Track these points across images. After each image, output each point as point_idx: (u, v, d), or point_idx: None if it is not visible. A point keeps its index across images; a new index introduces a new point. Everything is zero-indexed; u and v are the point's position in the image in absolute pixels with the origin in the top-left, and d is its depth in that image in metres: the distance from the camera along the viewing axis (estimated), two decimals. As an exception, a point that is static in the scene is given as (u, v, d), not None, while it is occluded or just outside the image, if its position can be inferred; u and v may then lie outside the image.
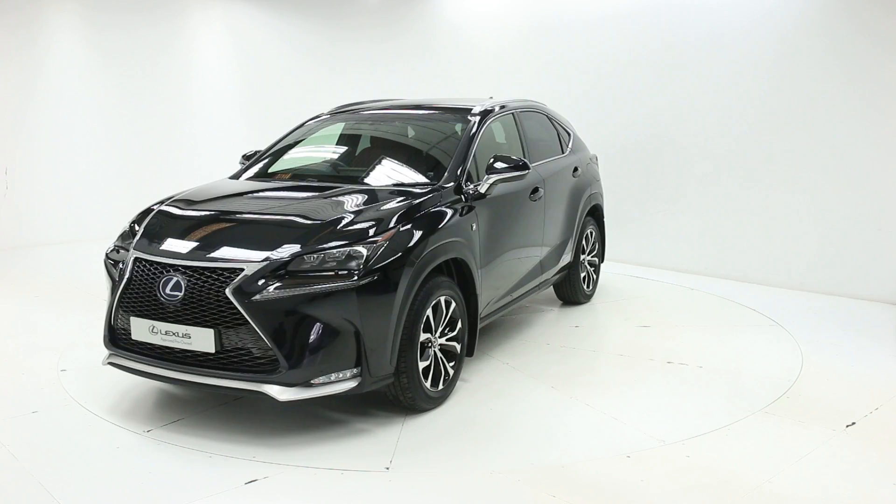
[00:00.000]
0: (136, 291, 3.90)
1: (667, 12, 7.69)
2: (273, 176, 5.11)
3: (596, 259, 6.62)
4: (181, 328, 3.71)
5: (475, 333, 4.55)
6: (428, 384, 4.11)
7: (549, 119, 6.18)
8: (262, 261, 3.69)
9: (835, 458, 3.69)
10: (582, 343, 5.42)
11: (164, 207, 4.41)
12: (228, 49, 10.72)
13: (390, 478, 3.48)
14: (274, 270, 3.68)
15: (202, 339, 3.68)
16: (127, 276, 3.95)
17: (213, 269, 3.72)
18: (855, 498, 3.33)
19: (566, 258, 5.97)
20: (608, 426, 4.03)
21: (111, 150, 9.69)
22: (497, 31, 9.19)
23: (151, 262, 3.89)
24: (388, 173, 4.82)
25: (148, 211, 4.43)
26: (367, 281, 3.71)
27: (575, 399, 4.37)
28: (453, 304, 4.29)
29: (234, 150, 9.00)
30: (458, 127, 5.04)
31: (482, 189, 4.67)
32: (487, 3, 9.31)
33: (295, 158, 5.36)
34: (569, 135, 6.38)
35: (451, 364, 4.34)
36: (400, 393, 4.01)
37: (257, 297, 3.61)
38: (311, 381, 3.65)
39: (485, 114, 5.16)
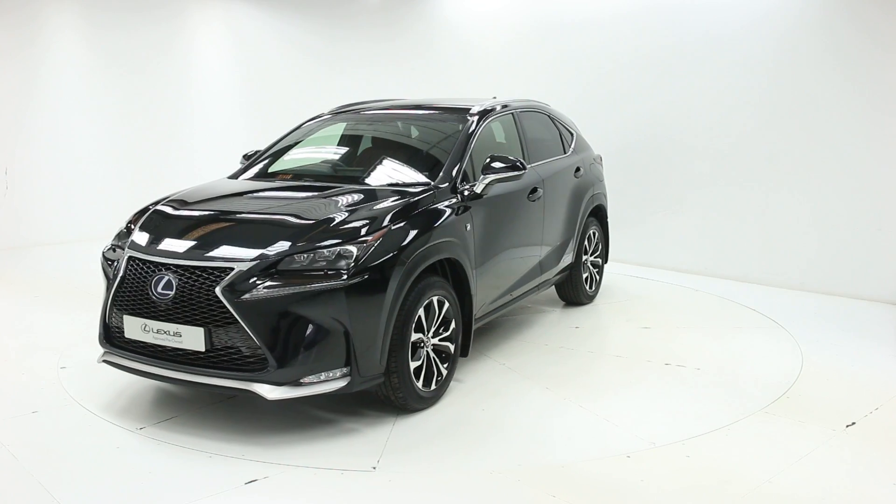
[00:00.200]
0: (129, 290, 3.93)
1: (666, 13, 7.69)
2: (271, 176, 5.12)
3: (599, 260, 6.59)
4: (172, 326, 3.74)
5: (470, 334, 4.55)
6: (420, 384, 4.11)
7: (551, 119, 6.17)
8: (252, 260, 3.72)
9: (835, 458, 3.69)
10: (581, 344, 5.41)
11: (159, 207, 4.44)
12: (228, 49, 10.72)
13: (386, 477, 3.47)
14: (264, 270, 3.70)
15: (192, 338, 3.71)
16: (120, 274, 3.99)
17: (204, 269, 3.75)
18: (855, 498, 3.33)
19: (567, 259, 5.96)
20: (600, 428, 4.01)
21: (111, 150, 9.69)
22: (497, 31, 9.19)
23: (144, 261, 3.93)
24: (385, 173, 4.82)
25: (144, 210, 4.46)
26: (356, 280, 3.72)
27: (569, 401, 4.36)
28: (446, 305, 4.29)
29: (233, 150, 9.00)
30: (457, 127, 5.04)
31: (478, 189, 4.67)
32: (487, 3, 9.31)
33: (293, 158, 5.36)
34: (572, 135, 6.36)
35: (445, 364, 4.34)
36: (391, 393, 4.01)
37: (247, 296, 3.63)
38: (301, 381, 3.67)
39: (483, 114, 5.16)
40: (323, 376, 3.70)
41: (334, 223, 3.93)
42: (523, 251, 5.28)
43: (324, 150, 5.50)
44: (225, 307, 3.63)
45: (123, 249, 4.11)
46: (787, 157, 7.03)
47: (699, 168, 7.60)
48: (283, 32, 10.86)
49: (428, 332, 4.18)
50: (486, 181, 4.68)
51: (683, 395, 4.48)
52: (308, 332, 3.65)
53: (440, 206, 4.37)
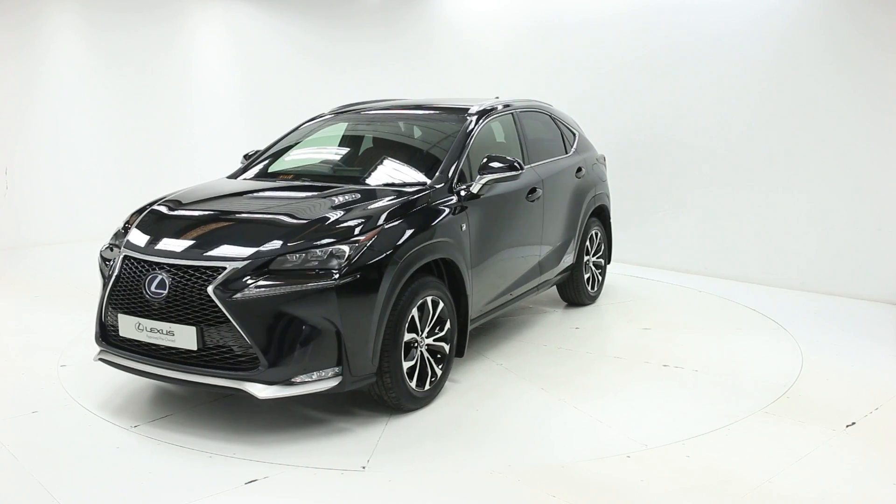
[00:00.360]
0: (123, 289, 3.96)
1: (666, 13, 7.69)
2: (270, 176, 5.14)
3: (602, 260, 6.57)
4: (165, 325, 3.76)
5: (465, 334, 4.55)
6: (413, 384, 4.11)
7: (553, 119, 6.16)
8: (245, 260, 3.73)
9: (835, 458, 3.69)
10: (580, 345, 5.40)
11: (155, 207, 4.47)
12: (228, 49, 10.72)
13: (386, 477, 3.47)
14: (256, 269, 3.71)
15: (185, 337, 3.72)
16: (115, 273, 4.02)
17: (196, 268, 3.77)
18: (855, 498, 3.33)
19: (568, 259, 5.95)
20: (593, 429, 4.00)
21: (111, 150, 9.70)
22: (497, 31, 9.19)
23: (139, 260, 3.96)
24: (382, 173, 4.82)
25: (141, 210, 4.48)
26: (347, 280, 3.72)
27: (563, 402, 4.35)
28: (441, 305, 4.29)
29: (233, 149, 9.00)
30: (455, 127, 5.03)
31: (474, 189, 4.66)
32: (487, 3, 9.31)
33: (292, 159, 5.37)
34: (574, 135, 6.35)
35: (440, 365, 4.34)
36: (384, 392, 4.01)
37: (238, 295, 3.64)
38: (292, 380, 3.68)
39: (481, 114, 5.15)
40: (314, 376, 3.71)
41: (327, 223, 3.95)
42: (521, 251, 5.27)
43: (322, 150, 5.50)
44: (217, 306, 3.65)
45: (120, 249, 4.14)
46: (787, 156, 7.03)
47: (699, 168, 7.60)
48: (283, 32, 10.86)
49: (422, 332, 4.18)
50: (483, 181, 4.68)
51: (680, 397, 4.46)
52: (299, 331, 3.66)
53: (435, 206, 4.37)
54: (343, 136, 5.56)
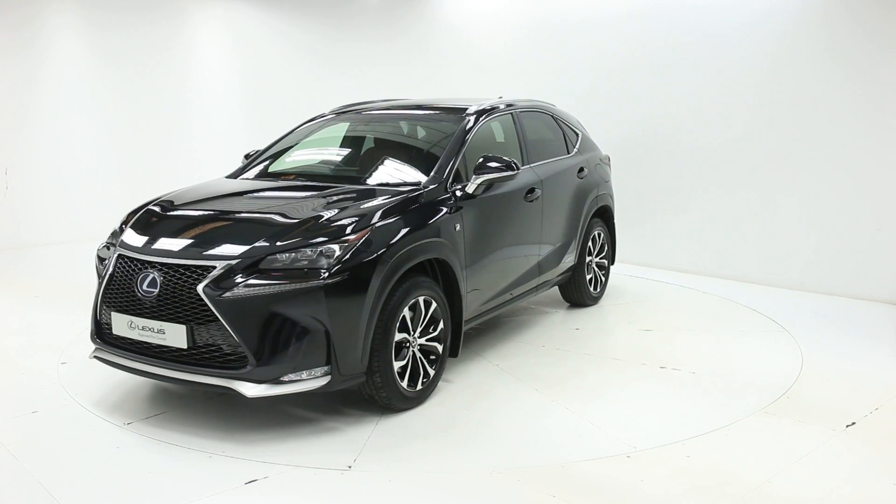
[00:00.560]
0: (117, 287, 4.00)
1: (663, 12, 7.69)
2: (268, 175, 5.16)
3: (605, 261, 6.55)
4: (157, 324, 3.79)
5: (459, 334, 4.55)
6: (404, 384, 4.11)
7: (555, 119, 6.14)
8: (234, 258, 3.75)
9: (835, 458, 3.69)
10: (579, 346, 5.38)
11: (150, 206, 4.50)
12: (228, 49, 10.73)
13: (386, 477, 3.48)
14: (246, 268, 3.72)
15: (175, 335, 3.75)
16: (109, 271, 4.06)
17: (187, 267, 3.80)
18: (855, 498, 3.33)
19: (569, 260, 5.93)
20: (583, 430, 3.98)
21: (111, 150, 9.70)
22: (497, 31, 9.19)
23: (132, 259, 3.99)
24: (379, 173, 4.81)
25: (137, 209, 4.51)
26: (336, 280, 3.73)
27: (556, 403, 4.33)
28: (434, 305, 4.28)
29: (233, 150, 9.01)
30: (452, 127, 5.03)
31: (470, 189, 4.66)
32: (487, 3, 9.31)
33: (290, 158, 5.39)
34: (577, 135, 6.32)
35: (434, 365, 4.34)
36: (374, 392, 4.02)
37: (227, 294, 3.66)
38: (281, 379, 3.69)
39: (478, 114, 5.15)
40: (303, 375, 3.73)
41: (318, 222, 3.96)
42: (519, 252, 5.24)
43: (320, 151, 5.51)
44: (206, 305, 3.67)
45: (115, 248, 4.19)
46: (787, 156, 7.03)
47: (700, 168, 7.60)
48: (283, 32, 10.86)
49: (414, 332, 4.18)
50: (479, 181, 4.68)
51: (675, 399, 4.43)
52: (288, 330, 3.67)
53: (429, 206, 4.37)
54: (342, 136, 5.56)
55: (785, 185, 7.06)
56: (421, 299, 4.19)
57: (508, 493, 3.35)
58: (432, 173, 4.61)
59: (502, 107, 5.44)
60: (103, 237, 4.56)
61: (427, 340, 4.29)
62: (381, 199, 4.25)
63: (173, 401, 4.32)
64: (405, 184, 4.55)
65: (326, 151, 5.50)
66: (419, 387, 4.23)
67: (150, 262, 3.91)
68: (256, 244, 3.80)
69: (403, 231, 4.11)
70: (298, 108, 8.42)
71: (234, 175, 5.26)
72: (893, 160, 6.44)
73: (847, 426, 4.04)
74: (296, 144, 5.50)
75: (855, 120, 6.60)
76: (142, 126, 9.87)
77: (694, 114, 7.59)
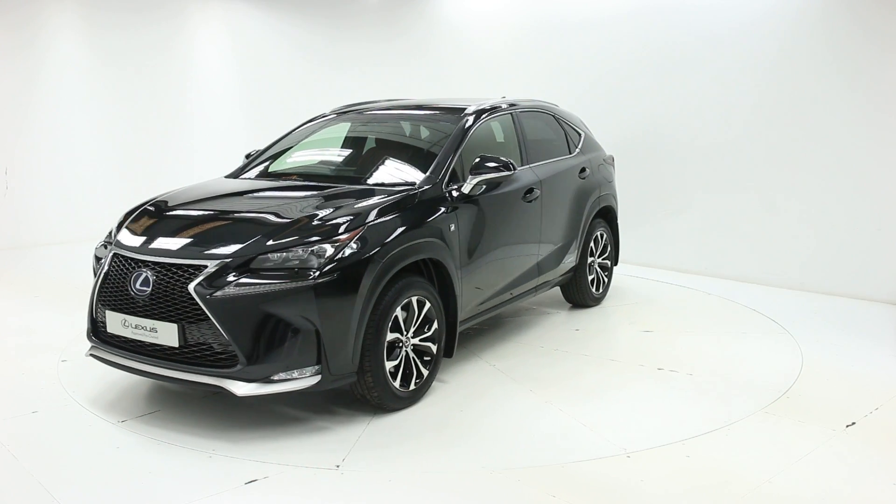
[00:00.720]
0: (111, 286, 4.03)
1: (663, 12, 7.69)
2: (266, 175, 5.18)
3: (608, 262, 6.52)
4: (149, 322, 3.82)
5: (454, 335, 4.54)
6: (397, 384, 4.11)
7: (557, 119, 6.13)
8: (226, 258, 3.77)
9: (835, 458, 3.69)
10: (578, 347, 5.36)
11: (146, 205, 4.53)
12: (228, 49, 10.73)
13: (386, 477, 3.48)
14: (237, 268, 3.74)
15: (167, 334, 3.77)
16: (104, 270, 4.09)
17: (179, 266, 3.82)
18: (855, 498, 3.33)
19: (570, 260, 5.91)
20: (574, 432, 3.96)
21: (111, 150, 9.70)
22: (497, 31, 9.19)
23: (126, 258, 4.03)
24: (376, 173, 4.81)
25: (134, 209, 4.54)
26: (325, 280, 3.73)
27: (549, 404, 4.32)
28: (427, 305, 4.28)
29: (233, 149, 9.01)
30: (449, 127, 5.03)
31: (466, 189, 4.66)
32: (487, 3, 9.31)
33: (288, 158, 5.40)
34: (579, 135, 6.30)
35: (428, 365, 4.34)
36: (366, 392, 4.02)
37: (218, 293, 3.67)
38: (271, 377, 3.70)
39: (476, 114, 5.14)
40: (295, 374, 3.74)
41: (310, 222, 3.97)
42: (517, 252, 5.23)
43: (318, 150, 5.52)
44: (197, 304, 3.69)
45: (110, 247, 4.23)
46: (787, 156, 7.03)
47: (700, 168, 7.60)
48: (283, 32, 10.86)
49: (407, 332, 4.18)
50: (474, 181, 4.68)
51: (669, 401, 4.40)
52: (277, 329, 3.68)
53: (423, 206, 4.37)
54: (341, 136, 5.57)
55: (785, 185, 7.06)
56: (414, 299, 4.19)
57: (508, 493, 3.35)
58: (428, 173, 4.61)
59: (502, 107, 5.44)
60: (103, 237, 4.58)
61: (421, 340, 4.29)
62: (375, 199, 4.25)
63: (168, 399, 4.34)
64: (401, 184, 4.55)
65: (325, 151, 5.50)
66: (412, 387, 4.23)
67: (143, 261, 3.94)
68: (248, 243, 3.82)
69: (396, 231, 4.11)
70: (298, 108, 8.41)
71: (233, 175, 5.28)
72: (893, 160, 6.44)
73: (847, 426, 4.04)
74: (295, 144, 5.50)
75: (855, 120, 6.60)
76: (142, 126, 9.87)
77: (694, 114, 7.59)
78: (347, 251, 3.84)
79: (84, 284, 6.72)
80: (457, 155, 4.78)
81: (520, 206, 5.21)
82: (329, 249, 3.81)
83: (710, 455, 3.71)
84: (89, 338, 4.20)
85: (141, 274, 3.89)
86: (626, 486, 3.41)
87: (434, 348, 4.37)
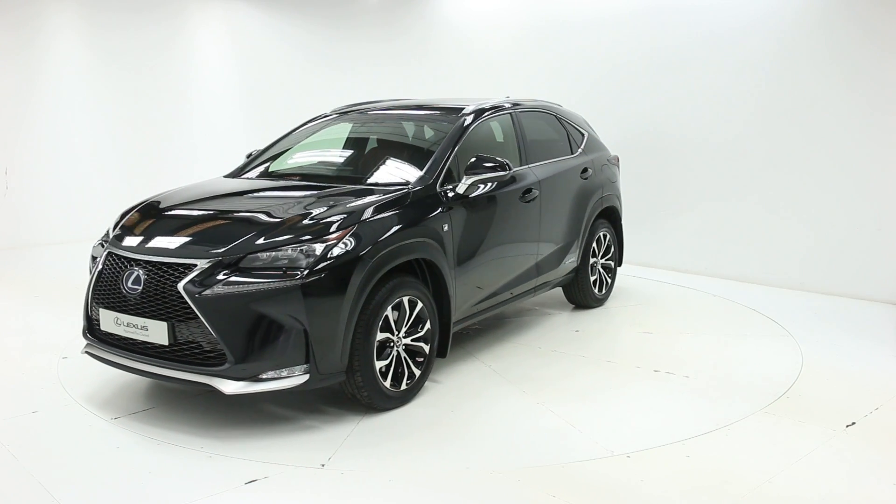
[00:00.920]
0: (105, 284, 4.07)
1: (665, 13, 7.69)
2: (264, 175, 5.19)
3: (611, 262, 6.48)
4: (140, 320, 3.86)
5: (448, 335, 4.54)
6: (387, 384, 4.12)
7: (559, 119, 6.11)
8: (216, 257, 3.79)
9: (835, 458, 3.69)
10: (576, 348, 5.33)
11: (142, 205, 4.57)
12: (228, 49, 10.73)
13: (386, 477, 3.48)
14: (227, 267, 3.76)
15: (157, 332, 3.81)
16: (99, 268, 4.14)
17: (169, 265, 3.86)
18: (855, 498, 3.33)
19: (571, 261, 5.88)
20: (562, 434, 3.94)
21: (111, 150, 9.70)
22: (497, 31, 9.19)
23: (119, 257, 4.07)
24: (372, 173, 4.80)
25: (132, 208, 4.58)
26: (313, 279, 3.74)
27: (541, 405, 4.30)
28: (419, 305, 4.28)
29: (233, 149, 9.01)
30: (447, 127, 5.03)
31: (461, 190, 4.65)
32: (488, 3, 9.31)
33: (286, 157, 5.41)
34: (582, 135, 6.28)
35: (420, 365, 4.34)
36: (355, 391, 4.03)
37: (207, 292, 3.69)
38: (260, 376, 3.72)
39: (473, 114, 5.13)
40: (284, 372, 3.75)
41: (300, 222, 3.98)
42: (514, 252, 5.21)
43: (317, 150, 5.53)
44: (186, 302, 3.72)
45: (106, 245, 4.27)
46: (787, 156, 7.03)
47: (700, 168, 7.61)
48: (283, 32, 10.86)
49: (399, 331, 4.18)
50: (469, 182, 4.67)
51: (661, 403, 4.37)
52: (266, 328, 3.70)
53: (416, 206, 4.37)
54: (339, 136, 5.57)
55: (785, 185, 7.06)
56: (405, 299, 4.18)
57: (508, 493, 3.35)
58: (422, 173, 4.61)
59: (501, 107, 5.43)
60: (101, 236, 4.60)
61: (413, 340, 4.29)
62: (368, 198, 4.26)
63: (163, 397, 4.37)
64: (396, 184, 4.55)
65: (323, 151, 5.51)
66: (403, 387, 4.22)
67: (135, 260, 3.98)
68: (237, 243, 3.84)
69: (386, 231, 4.11)
70: (298, 109, 8.42)
71: (232, 174, 5.29)
72: (893, 160, 6.44)
73: (847, 426, 4.04)
74: (294, 144, 5.51)
75: (855, 120, 6.60)
76: (142, 126, 9.87)
77: (694, 114, 7.59)
78: (336, 251, 3.85)
79: (84, 284, 6.76)
80: (452, 155, 4.77)
81: (517, 207, 5.20)
82: (318, 249, 3.83)
83: (709, 455, 3.70)
84: (85, 336, 4.25)
85: (133, 272, 3.92)
86: (626, 486, 3.41)
87: (427, 348, 4.36)
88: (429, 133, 5.27)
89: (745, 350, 5.31)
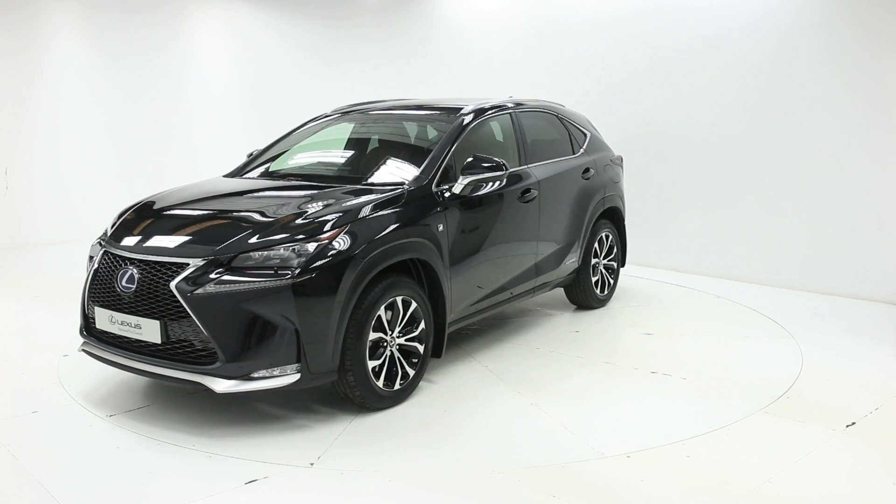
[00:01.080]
0: (100, 282, 4.11)
1: (662, 12, 7.69)
2: (263, 174, 5.20)
3: (614, 263, 6.46)
4: (134, 319, 3.89)
5: (443, 335, 4.53)
6: (380, 383, 4.12)
7: (561, 119, 6.10)
8: (208, 256, 3.80)
9: (835, 458, 3.69)
10: (575, 350, 5.30)
11: (140, 204, 4.59)
12: (228, 49, 10.73)
13: (386, 476, 3.48)
14: (219, 266, 3.77)
15: (150, 330, 3.84)
16: (94, 267, 4.17)
17: (162, 264, 3.88)
18: (855, 498, 3.33)
19: (571, 261, 5.86)
20: (553, 435, 3.93)
21: (111, 150, 9.70)
22: (497, 31, 9.19)
23: (114, 255, 4.10)
24: (368, 173, 4.80)
25: (129, 207, 4.60)
26: (304, 279, 3.75)
27: (535, 406, 4.29)
28: (413, 305, 4.28)
29: (233, 149, 9.01)
30: (444, 127, 5.03)
31: (457, 190, 4.65)
32: (488, 3, 9.31)
33: (285, 157, 5.42)
34: (585, 136, 6.26)
35: (415, 365, 4.34)
36: (348, 390, 4.04)
37: (199, 291, 3.71)
38: (251, 375, 3.73)
39: (471, 115, 5.12)
40: (276, 371, 3.76)
41: (293, 221, 3.99)
42: (512, 252, 5.19)
43: (316, 150, 5.54)
44: (178, 301, 3.73)
45: (102, 244, 4.30)
46: (787, 156, 7.03)
47: (700, 168, 7.61)
48: (283, 32, 10.86)
49: (392, 331, 4.18)
50: (465, 182, 4.67)
51: (657, 405, 4.35)
52: (257, 328, 3.72)
53: (411, 205, 4.37)
54: (338, 136, 5.57)
55: (785, 185, 7.06)
56: (399, 299, 4.18)
57: (508, 493, 3.35)
58: (418, 173, 4.61)
59: (501, 107, 5.43)
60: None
61: (407, 340, 4.29)
62: (362, 198, 4.26)
63: (159, 394, 4.40)
64: (392, 184, 4.54)
65: (322, 151, 5.52)
66: (397, 386, 4.22)
67: (129, 259, 4.01)
68: (230, 242, 3.85)
69: (379, 231, 4.11)
70: (298, 108, 8.41)
71: (231, 174, 5.31)
72: (893, 160, 6.44)
73: (847, 426, 4.04)
74: (293, 144, 5.52)
75: (855, 120, 6.60)
76: (142, 126, 9.88)
77: (694, 114, 7.59)
78: (328, 250, 3.86)
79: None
80: (448, 155, 4.76)
81: (515, 207, 5.18)
82: (310, 248, 3.83)
83: (709, 455, 3.70)
84: (81, 334, 4.29)
85: (127, 271, 3.95)
86: (626, 486, 3.41)
87: (421, 348, 4.36)
88: (428, 133, 5.27)
89: (746, 350, 5.31)
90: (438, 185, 4.60)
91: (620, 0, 8.02)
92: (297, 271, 3.75)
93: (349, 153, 5.38)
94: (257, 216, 4.12)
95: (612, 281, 6.47)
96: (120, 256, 4.06)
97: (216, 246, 3.84)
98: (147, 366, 3.91)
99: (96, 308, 4.08)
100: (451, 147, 4.82)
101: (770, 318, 6.06)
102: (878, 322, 5.98)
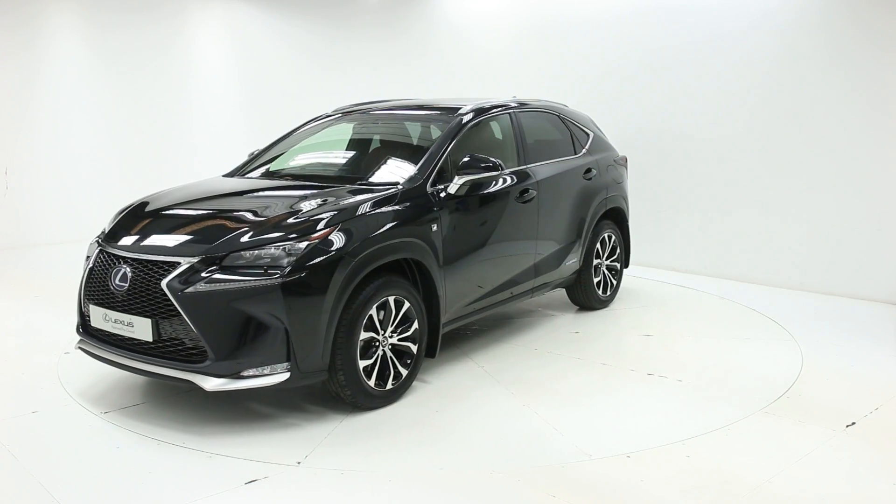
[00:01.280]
0: (95, 281, 4.15)
1: (665, 13, 7.69)
2: (261, 174, 5.21)
3: (617, 264, 6.43)
4: (126, 317, 3.92)
5: (437, 335, 4.53)
6: (372, 383, 4.12)
7: (562, 119, 6.09)
8: (199, 255, 3.83)
9: (835, 458, 3.69)
10: (573, 350, 5.28)
11: (137, 203, 4.61)
12: (228, 49, 10.73)
13: (386, 476, 3.47)
14: (211, 265, 3.79)
15: (142, 329, 3.87)
16: (90, 265, 4.22)
17: (154, 262, 3.91)
18: (855, 498, 3.33)
19: (572, 262, 5.85)
20: (543, 436, 3.91)
21: (111, 150, 9.70)
22: (497, 31, 9.19)
23: (109, 254, 4.13)
24: (366, 172, 4.79)
25: (127, 207, 4.64)
26: (294, 278, 3.76)
27: (527, 407, 4.27)
28: (406, 304, 4.28)
29: (233, 149, 9.01)
30: (442, 127, 5.02)
31: (452, 190, 4.64)
32: (488, 3, 9.31)
33: (283, 157, 5.42)
34: (587, 136, 6.24)
35: (408, 365, 4.33)
36: (338, 389, 4.04)
37: (189, 289, 3.73)
38: (241, 374, 3.75)
39: (469, 114, 5.12)
40: (266, 370, 3.77)
41: (285, 220, 4.00)
42: (510, 253, 5.18)
43: (315, 150, 5.54)
44: (170, 300, 3.76)
45: (98, 243, 4.34)
46: (787, 156, 7.03)
47: (699, 168, 7.61)
48: (283, 32, 10.86)
49: (384, 331, 4.18)
50: (461, 182, 4.66)
51: (653, 406, 4.33)
52: (246, 326, 3.73)
53: (404, 205, 4.37)
54: (337, 136, 5.58)
55: (785, 185, 7.06)
56: (391, 299, 4.18)
57: (508, 493, 3.35)
58: (413, 173, 4.60)
59: (500, 107, 5.42)
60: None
61: (400, 340, 4.29)
62: (355, 198, 4.26)
63: (154, 392, 4.42)
64: (386, 184, 4.54)
65: (320, 151, 5.53)
66: (389, 386, 4.22)
67: (123, 258, 4.04)
68: (221, 241, 3.87)
69: (371, 230, 4.11)
70: (298, 108, 8.42)
71: (230, 174, 5.32)
72: (893, 160, 6.44)
73: (847, 426, 4.04)
74: (292, 145, 5.52)
75: (855, 120, 6.60)
76: (142, 126, 9.87)
77: (694, 114, 7.59)
78: (316, 250, 3.87)
79: (84, 284, 6.76)
80: (445, 155, 4.75)
81: (512, 207, 5.16)
82: (301, 247, 3.84)
83: (709, 455, 3.70)
84: (78, 331, 4.32)
85: (120, 270, 3.99)
86: (626, 486, 3.41)
87: (414, 348, 4.36)
88: (427, 133, 5.27)
89: (745, 351, 5.31)
90: (434, 184, 4.60)
91: (620, 0, 8.02)
92: (287, 270, 3.76)
93: (348, 153, 5.39)
94: (250, 216, 4.14)
95: (614, 282, 6.45)
96: (114, 255, 4.09)
97: (208, 245, 3.86)
98: (140, 363, 3.94)
99: (91, 306, 4.12)
100: (448, 147, 4.81)
101: (770, 318, 6.06)
102: (878, 322, 5.98)
